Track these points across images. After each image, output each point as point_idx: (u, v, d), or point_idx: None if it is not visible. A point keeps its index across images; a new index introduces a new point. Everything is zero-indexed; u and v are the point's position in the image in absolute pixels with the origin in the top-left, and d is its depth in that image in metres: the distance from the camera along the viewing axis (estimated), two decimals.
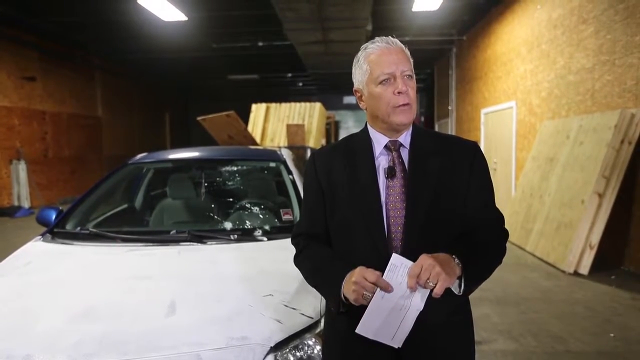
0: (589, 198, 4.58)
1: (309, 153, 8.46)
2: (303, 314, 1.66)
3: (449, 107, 11.84)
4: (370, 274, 1.09)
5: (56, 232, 2.42)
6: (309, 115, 10.41)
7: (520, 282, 4.38)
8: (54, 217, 2.57)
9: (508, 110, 7.84)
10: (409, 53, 1.24)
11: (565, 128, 5.53)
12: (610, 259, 4.77)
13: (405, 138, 1.26)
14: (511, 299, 3.91)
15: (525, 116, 7.14)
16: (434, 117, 14.17)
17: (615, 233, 4.68)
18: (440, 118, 13.18)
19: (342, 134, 20.80)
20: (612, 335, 3.22)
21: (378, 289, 1.08)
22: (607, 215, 4.54)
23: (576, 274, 4.58)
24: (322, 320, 1.67)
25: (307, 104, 10.75)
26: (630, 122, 4.49)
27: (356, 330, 1.10)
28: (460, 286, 1.13)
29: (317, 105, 10.88)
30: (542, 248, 5.22)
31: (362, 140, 1.29)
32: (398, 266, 1.09)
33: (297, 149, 7.16)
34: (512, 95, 7.69)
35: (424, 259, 1.07)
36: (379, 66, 1.19)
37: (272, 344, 1.52)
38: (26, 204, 9.95)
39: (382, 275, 1.09)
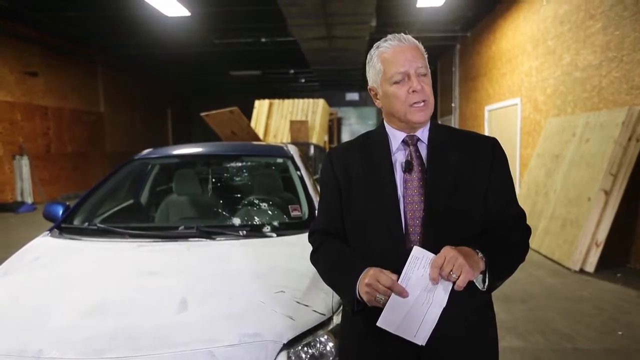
0: (595, 195, 4.55)
1: (312, 149, 8.45)
2: (315, 311, 1.64)
3: (452, 104, 11.80)
4: (385, 278, 1.07)
5: (64, 227, 2.40)
6: (312, 112, 10.39)
7: (526, 280, 4.36)
8: (61, 212, 2.55)
9: (512, 107, 7.81)
10: (422, 48, 1.22)
11: (571, 125, 5.50)
12: (616, 256, 4.75)
13: (422, 133, 1.24)
14: (517, 297, 3.90)
15: (530, 113, 7.10)
16: (437, 114, 14.13)
17: (621, 230, 4.66)
18: (443, 115, 13.14)
19: (345, 131, 20.77)
20: (620, 333, 3.20)
21: (393, 294, 1.06)
22: (613, 213, 4.52)
23: (582, 271, 4.56)
24: (334, 317, 1.66)
25: (311, 100, 10.73)
26: (638, 119, 4.46)
27: (377, 324, 1.07)
28: (484, 282, 1.11)
29: (321, 102, 10.84)
30: (548, 245, 5.20)
31: (378, 136, 1.28)
32: (420, 258, 1.07)
33: (300, 145, 7.15)
34: (516, 92, 7.65)
35: (447, 251, 1.05)
36: (393, 65, 1.17)
37: (285, 341, 1.51)
38: (29, 199, 9.95)
39: (403, 268, 1.08)
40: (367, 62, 1.26)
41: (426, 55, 1.23)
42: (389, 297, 1.07)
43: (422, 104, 1.18)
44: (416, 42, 1.22)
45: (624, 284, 4.19)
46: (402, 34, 1.22)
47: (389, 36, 1.21)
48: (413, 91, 1.16)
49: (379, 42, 1.23)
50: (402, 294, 1.06)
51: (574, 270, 4.58)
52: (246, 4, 8.43)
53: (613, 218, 4.52)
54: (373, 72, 1.23)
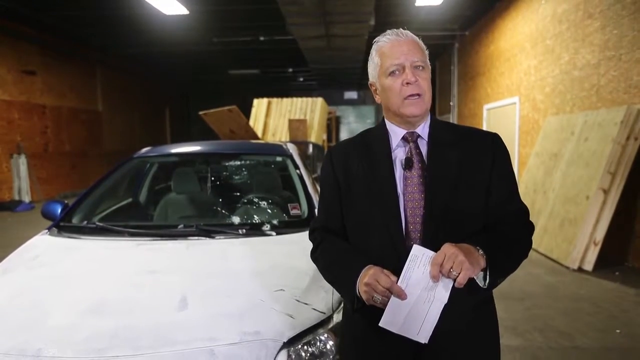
0: (593, 194, 4.56)
1: (311, 148, 8.45)
2: (315, 309, 1.64)
3: (451, 103, 11.81)
4: (385, 279, 1.07)
5: (62, 226, 2.39)
6: (310, 110, 10.39)
7: (524, 278, 4.37)
8: (59, 210, 2.54)
9: (511, 106, 7.81)
10: (422, 43, 1.22)
11: (570, 124, 5.50)
12: (614, 255, 4.76)
13: (423, 129, 1.24)
14: (516, 295, 3.90)
15: (528, 112, 7.11)
16: (435, 113, 14.16)
17: (619, 229, 4.67)
18: (442, 114, 13.14)
19: (343, 130, 20.76)
20: (618, 331, 3.21)
21: (392, 296, 1.06)
22: (612, 212, 4.53)
23: (580, 270, 4.57)
24: (334, 316, 1.66)
25: (309, 99, 10.73)
26: (636, 118, 4.47)
27: (380, 324, 1.07)
28: (485, 279, 1.11)
29: (319, 101, 10.84)
30: (546, 244, 5.21)
31: (378, 133, 1.28)
32: (419, 257, 1.07)
33: (299, 144, 7.16)
34: (515, 91, 7.65)
35: (447, 248, 1.04)
36: (389, 58, 1.18)
37: (285, 340, 1.51)
38: (26, 198, 9.92)
39: (403, 267, 1.07)
40: (368, 59, 1.27)
41: (427, 51, 1.22)
42: (387, 297, 1.06)
43: (417, 97, 1.17)
44: (415, 37, 1.22)
45: (622, 283, 4.21)
46: (401, 29, 1.22)
47: (388, 31, 1.22)
48: (407, 83, 1.16)
49: (378, 37, 1.24)
50: (401, 296, 1.05)
51: (572, 269, 4.59)
52: (245, 3, 8.41)
53: (611, 217, 4.53)
54: (372, 67, 1.24)
